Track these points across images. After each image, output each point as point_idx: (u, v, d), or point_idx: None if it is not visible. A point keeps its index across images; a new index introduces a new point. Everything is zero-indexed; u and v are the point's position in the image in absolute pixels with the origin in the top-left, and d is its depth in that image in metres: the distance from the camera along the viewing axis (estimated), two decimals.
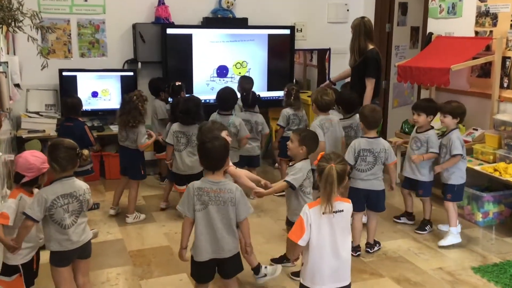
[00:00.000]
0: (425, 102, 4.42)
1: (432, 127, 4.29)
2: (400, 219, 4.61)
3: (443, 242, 4.10)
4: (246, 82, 5.46)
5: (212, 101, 4.79)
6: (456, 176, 4.11)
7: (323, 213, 2.54)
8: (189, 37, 5.93)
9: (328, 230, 2.58)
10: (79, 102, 4.67)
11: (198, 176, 4.50)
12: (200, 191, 2.75)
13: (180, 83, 5.21)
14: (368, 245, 3.99)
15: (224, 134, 3.33)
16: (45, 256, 3.72)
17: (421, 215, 4.47)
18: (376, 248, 4.01)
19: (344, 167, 2.57)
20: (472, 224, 4.51)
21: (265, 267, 3.41)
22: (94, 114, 5.74)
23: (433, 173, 4.26)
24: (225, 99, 4.70)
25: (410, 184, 4.40)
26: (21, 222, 2.72)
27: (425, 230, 4.36)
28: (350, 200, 2.71)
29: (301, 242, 2.57)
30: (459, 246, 4.11)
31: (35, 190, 2.89)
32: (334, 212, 2.54)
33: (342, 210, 2.61)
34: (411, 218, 4.59)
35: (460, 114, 4.12)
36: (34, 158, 2.80)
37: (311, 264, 2.61)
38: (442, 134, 5.07)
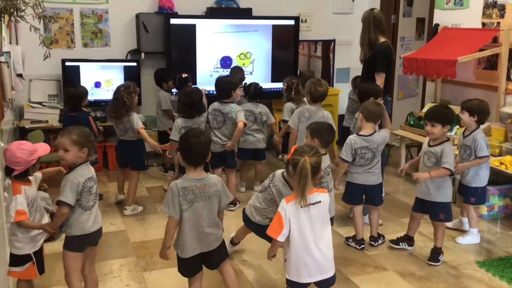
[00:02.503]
0: (441, 110, 3.66)
1: (448, 139, 3.64)
2: (399, 244, 3.91)
3: (462, 240, 4.04)
4: (236, 72, 5.44)
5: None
6: (481, 178, 3.94)
7: (302, 206, 2.55)
8: (192, 27, 5.88)
9: (308, 223, 2.59)
10: (83, 92, 4.63)
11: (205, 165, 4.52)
12: (185, 191, 2.71)
13: (186, 75, 5.17)
14: (372, 238, 3.97)
15: None
16: (49, 247, 3.73)
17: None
18: (380, 241, 3.99)
19: (318, 159, 2.58)
20: (477, 218, 4.47)
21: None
22: (97, 104, 5.70)
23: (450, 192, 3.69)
24: (220, 87, 4.68)
25: (423, 207, 3.74)
26: (57, 210, 2.77)
27: (439, 260, 3.70)
28: (326, 191, 2.73)
29: (281, 238, 2.59)
30: None
31: (32, 177, 2.87)
32: (311, 204, 2.56)
33: (320, 201, 2.62)
34: (412, 243, 3.93)
35: (478, 113, 3.85)
36: (21, 151, 2.73)
37: (294, 258, 2.61)
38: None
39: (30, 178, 2.86)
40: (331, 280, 2.72)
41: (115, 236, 4.11)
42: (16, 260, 2.82)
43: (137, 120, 4.48)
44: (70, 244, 2.82)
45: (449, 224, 4.26)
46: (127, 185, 4.68)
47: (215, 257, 2.89)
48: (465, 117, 3.91)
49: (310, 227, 2.59)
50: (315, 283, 2.70)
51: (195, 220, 2.74)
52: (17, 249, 2.81)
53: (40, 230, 2.87)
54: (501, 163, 4.29)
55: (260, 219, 3.22)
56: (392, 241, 3.94)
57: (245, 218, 3.36)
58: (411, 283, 3.42)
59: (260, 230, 3.09)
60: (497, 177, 4.54)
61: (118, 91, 4.43)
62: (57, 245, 3.84)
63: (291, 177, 2.72)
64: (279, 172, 3.17)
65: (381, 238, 4.02)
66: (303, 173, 2.50)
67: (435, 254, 3.71)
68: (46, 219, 2.99)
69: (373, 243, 3.96)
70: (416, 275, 3.53)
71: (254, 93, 4.98)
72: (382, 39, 4.72)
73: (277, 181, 3.13)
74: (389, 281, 3.46)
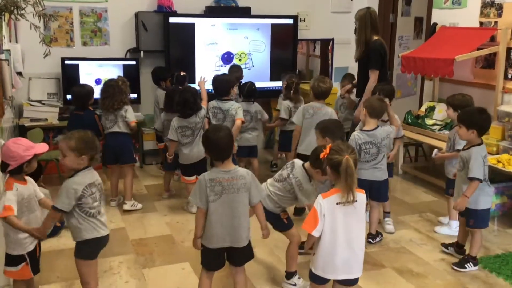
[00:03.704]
0: (469, 111, 3.55)
1: (479, 144, 3.47)
2: (448, 249, 3.86)
3: (438, 230, 4.21)
4: (234, 71, 5.47)
5: None
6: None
7: (338, 203, 2.55)
8: (191, 26, 5.90)
9: (342, 220, 2.58)
10: (90, 92, 4.66)
11: (202, 163, 4.50)
12: (213, 182, 2.73)
13: (184, 73, 5.18)
14: (370, 235, 3.98)
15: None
16: (48, 244, 3.75)
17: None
18: (378, 239, 4.01)
19: (355, 156, 2.61)
20: None
21: (298, 278, 3.31)
22: (95, 103, 5.70)
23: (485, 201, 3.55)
24: (218, 85, 4.71)
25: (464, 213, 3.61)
26: (48, 213, 2.77)
27: (465, 267, 3.59)
28: (363, 191, 2.70)
29: (315, 233, 2.59)
30: None
31: (28, 178, 2.86)
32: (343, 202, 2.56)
33: (356, 200, 2.61)
34: (462, 251, 3.77)
35: (460, 108, 3.85)
36: (16, 146, 2.73)
37: (323, 253, 2.61)
38: (445, 125, 5.08)
39: (26, 178, 2.85)
40: (355, 281, 2.71)
41: (114, 233, 4.10)
42: (10, 260, 2.81)
43: (131, 112, 4.56)
44: (82, 250, 2.81)
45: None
46: (121, 184, 4.69)
47: (241, 255, 2.88)
48: (450, 112, 4.03)
49: (344, 225, 2.58)
50: (338, 280, 2.70)
51: (223, 212, 2.75)
52: (11, 249, 2.80)
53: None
54: (498, 161, 4.31)
55: (272, 206, 3.22)
56: (443, 244, 3.91)
57: None
58: (409, 280, 3.45)
59: (270, 216, 3.15)
60: (494, 175, 4.56)
61: (116, 85, 4.48)
62: (56, 242, 3.88)
63: (329, 177, 2.70)
64: (298, 163, 3.19)
65: (379, 235, 4.05)
66: (349, 172, 2.50)
67: (463, 260, 3.62)
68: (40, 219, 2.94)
69: (371, 240, 3.97)
70: (413, 272, 3.56)
71: (248, 93, 5.00)
72: (375, 37, 4.78)
73: (297, 173, 3.14)
74: (387, 278, 3.48)
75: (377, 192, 3.92)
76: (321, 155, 2.68)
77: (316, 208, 2.58)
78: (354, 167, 2.54)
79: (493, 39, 4.98)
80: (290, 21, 6.35)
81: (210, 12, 6.11)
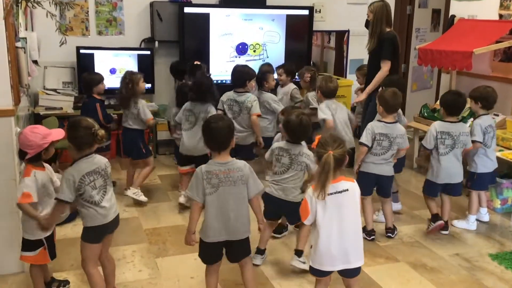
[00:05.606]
0: (447, 95, 4.02)
1: (445, 121, 3.90)
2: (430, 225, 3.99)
3: (456, 223, 4.16)
4: (263, 65, 5.41)
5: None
6: (477, 165, 4.03)
7: (329, 194, 2.54)
8: (206, 16, 5.88)
9: (335, 211, 2.57)
10: (94, 80, 4.63)
11: (202, 159, 4.42)
12: (209, 175, 2.71)
13: (198, 63, 5.14)
14: (390, 230, 3.95)
15: None
16: (62, 232, 3.78)
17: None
18: (395, 232, 3.98)
19: (342, 150, 2.56)
20: (490, 211, 4.44)
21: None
22: (111, 92, 5.71)
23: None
24: (236, 76, 4.67)
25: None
26: (54, 205, 2.78)
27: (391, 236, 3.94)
28: (354, 180, 2.70)
29: (307, 222, 2.64)
30: (476, 232, 4.08)
31: (46, 165, 2.89)
32: (338, 192, 2.56)
33: (347, 190, 2.60)
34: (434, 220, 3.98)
35: (481, 99, 4.00)
36: (33, 135, 2.75)
37: (319, 245, 2.60)
38: (462, 119, 5.02)
39: (45, 164, 2.87)
40: (354, 271, 2.69)
41: (128, 223, 4.14)
42: (28, 245, 2.84)
43: (144, 110, 4.48)
44: (86, 235, 2.81)
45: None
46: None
47: (238, 250, 2.86)
48: (472, 104, 4.08)
49: (336, 216, 2.57)
50: (339, 271, 2.68)
51: (220, 205, 2.73)
52: (29, 234, 2.83)
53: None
54: None
55: (297, 194, 3.32)
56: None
57: (267, 196, 3.36)
58: (422, 275, 3.42)
59: (284, 205, 3.26)
60: (511, 170, 4.50)
61: (122, 82, 4.48)
62: (70, 231, 3.90)
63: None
64: (301, 148, 3.35)
65: (396, 229, 4.01)
66: (326, 168, 2.49)
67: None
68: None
69: (390, 234, 3.94)
70: (427, 267, 3.53)
71: (257, 82, 4.94)
72: (387, 30, 4.74)
73: (306, 152, 3.32)
74: (400, 272, 3.46)
75: (384, 188, 3.89)
76: (312, 145, 2.69)
77: (307, 200, 2.60)
78: (338, 163, 2.52)
79: None
80: (306, 12, 6.30)
81: (225, 2, 6.09)
